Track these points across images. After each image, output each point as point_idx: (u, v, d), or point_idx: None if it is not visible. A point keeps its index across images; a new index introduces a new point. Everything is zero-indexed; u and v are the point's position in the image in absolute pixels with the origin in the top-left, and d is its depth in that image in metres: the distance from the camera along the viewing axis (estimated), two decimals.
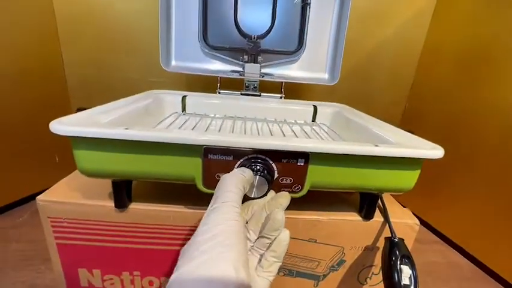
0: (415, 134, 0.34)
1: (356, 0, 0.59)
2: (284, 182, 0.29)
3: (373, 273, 0.37)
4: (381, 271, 0.31)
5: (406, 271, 0.28)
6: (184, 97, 0.51)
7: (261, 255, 0.24)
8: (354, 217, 0.34)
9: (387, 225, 0.34)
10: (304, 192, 0.30)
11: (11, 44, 0.65)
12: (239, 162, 0.27)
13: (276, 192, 0.29)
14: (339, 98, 0.65)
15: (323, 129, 0.48)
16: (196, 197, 0.31)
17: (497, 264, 0.62)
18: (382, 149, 0.27)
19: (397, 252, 0.29)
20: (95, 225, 0.32)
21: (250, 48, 0.58)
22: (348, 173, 0.29)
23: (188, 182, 0.29)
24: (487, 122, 0.65)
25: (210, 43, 0.57)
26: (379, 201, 0.35)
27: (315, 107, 0.53)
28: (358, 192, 0.35)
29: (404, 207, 0.38)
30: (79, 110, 0.32)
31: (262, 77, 0.58)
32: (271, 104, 0.54)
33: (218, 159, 0.27)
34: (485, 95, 0.65)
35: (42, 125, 0.29)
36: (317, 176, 0.29)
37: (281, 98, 0.58)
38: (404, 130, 0.36)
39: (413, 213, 0.37)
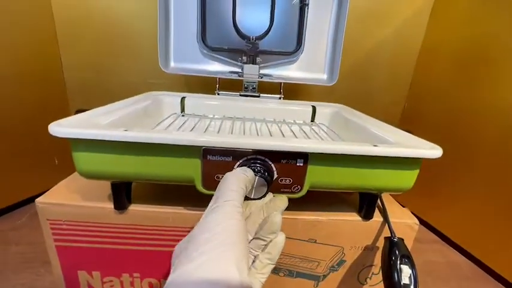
0: (414, 134, 0.34)
1: (354, 0, 0.60)
2: (283, 182, 0.29)
3: (373, 273, 0.37)
4: (380, 271, 0.31)
5: (405, 271, 0.28)
6: (183, 98, 0.51)
7: (255, 257, 0.23)
8: (354, 217, 0.34)
9: (387, 225, 0.34)
10: (303, 192, 0.30)
11: (9, 46, 0.65)
12: (238, 163, 0.28)
13: (276, 193, 0.29)
14: (338, 98, 0.65)
15: (322, 129, 0.48)
16: (196, 198, 0.31)
17: (497, 263, 0.62)
18: (381, 149, 0.27)
19: (397, 252, 0.30)
20: (95, 227, 0.32)
21: (248, 49, 0.58)
22: (347, 173, 0.29)
23: (187, 183, 0.29)
24: (485, 121, 0.65)
25: (209, 44, 0.58)
26: (379, 201, 0.35)
27: (314, 108, 0.53)
28: (358, 192, 0.35)
29: (403, 207, 0.38)
30: (78, 112, 0.32)
31: (261, 77, 0.59)
32: (270, 104, 0.54)
33: (217, 160, 0.27)
34: (484, 94, 0.65)
35: (41, 127, 0.29)
36: (316, 176, 0.29)
37: (280, 98, 0.58)
38: (403, 130, 0.36)
39: (412, 213, 0.37)
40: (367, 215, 0.34)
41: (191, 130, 0.43)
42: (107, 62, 0.75)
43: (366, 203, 0.34)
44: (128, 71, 0.77)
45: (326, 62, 0.60)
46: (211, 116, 0.50)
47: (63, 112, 0.76)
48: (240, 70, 0.59)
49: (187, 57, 0.58)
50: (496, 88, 0.63)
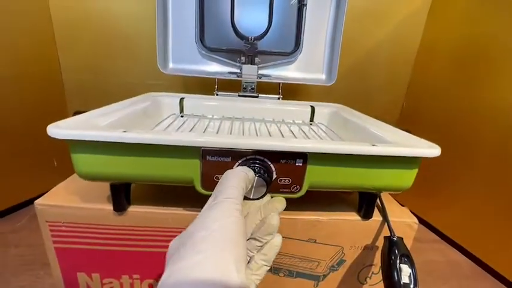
0: (413, 133, 0.34)
1: None
2: (282, 182, 0.29)
3: (373, 273, 0.37)
4: (380, 270, 0.31)
5: (405, 270, 0.28)
6: (182, 99, 0.51)
7: (250, 258, 0.23)
8: (353, 217, 0.34)
9: (386, 224, 0.34)
10: (302, 192, 0.30)
11: (6, 48, 0.65)
12: (237, 163, 0.28)
13: (275, 193, 0.29)
14: (337, 97, 0.65)
15: (321, 129, 0.48)
16: (195, 199, 0.31)
17: (497, 262, 0.62)
18: (379, 149, 0.28)
19: (397, 251, 0.30)
20: (94, 229, 0.32)
21: (247, 49, 0.58)
22: (346, 172, 0.29)
23: (187, 184, 0.29)
24: (484, 120, 0.65)
25: (207, 45, 0.58)
26: (378, 200, 0.35)
27: (313, 108, 0.53)
28: (357, 191, 0.35)
29: (402, 206, 0.38)
30: (76, 113, 0.32)
31: (260, 78, 0.59)
32: (269, 105, 0.54)
33: (216, 161, 0.27)
34: (483, 93, 0.65)
35: (39, 129, 0.29)
36: (315, 176, 0.29)
37: (279, 99, 0.58)
38: (402, 129, 0.36)
39: (411, 212, 0.37)
40: (366, 215, 0.34)
41: (190, 131, 0.43)
42: (105, 64, 0.75)
43: (365, 202, 0.34)
44: (126, 72, 0.76)
45: (324, 62, 0.61)
46: (210, 117, 0.50)
47: (62, 114, 0.76)
48: (238, 71, 0.59)
49: (186, 58, 0.58)
50: (495, 87, 0.63)
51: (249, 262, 0.23)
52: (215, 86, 0.58)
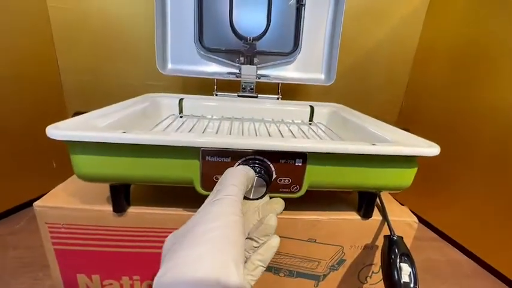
0: (412, 132, 0.34)
1: None
2: (282, 182, 0.29)
3: (373, 272, 0.37)
4: (380, 269, 0.31)
5: (405, 269, 0.28)
6: (181, 100, 0.51)
7: (246, 258, 0.23)
8: (353, 216, 0.35)
9: (386, 223, 0.34)
10: (302, 192, 0.30)
11: (4, 49, 0.64)
12: (237, 163, 0.28)
13: (275, 193, 0.29)
14: (336, 97, 0.65)
15: (320, 129, 0.48)
16: (195, 199, 0.31)
17: (497, 261, 0.62)
18: (379, 148, 0.28)
19: (397, 250, 0.30)
20: (93, 230, 0.32)
21: (246, 50, 0.58)
22: (345, 172, 0.29)
23: (186, 184, 0.29)
24: (483, 119, 0.65)
25: (206, 45, 0.58)
26: (378, 199, 0.35)
27: (312, 108, 0.53)
28: (357, 191, 0.35)
29: (402, 205, 0.38)
30: (76, 114, 0.32)
31: (259, 78, 0.59)
32: (268, 105, 0.54)
33: (216, 161, 0.27)
34: (482, 92, 0.65)
35: (38, 130, 0.28)
36: (315, 176, 0.29)
37: (278, 99, 0.58)
38: (401, 129, 0.36)
39: (411, 211, 0.37)
40: (366, 214, 0.34)
41: (189, 131, 0.42)
42: (104, 65, 0.75)
43: (365, 201, 0.34)
44: (125, 74, 0.76)
45: (323, 61, 0.61)
46: (210, 117, 0.50)
47: (61, 115, 0.76)
48: (237, 71, 0.59)
49: (185, 58, 0.58)
50: (495, 86, 0.63)
51: (245, 262, 0.23)
52: (214, 87, 0.58)
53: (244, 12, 0.57)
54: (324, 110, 0.53)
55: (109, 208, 0.31)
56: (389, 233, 0.32)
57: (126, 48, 0.74)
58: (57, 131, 0.25)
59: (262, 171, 0.27)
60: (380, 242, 0.35)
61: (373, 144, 0.28)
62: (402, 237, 0.31)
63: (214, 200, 0.21)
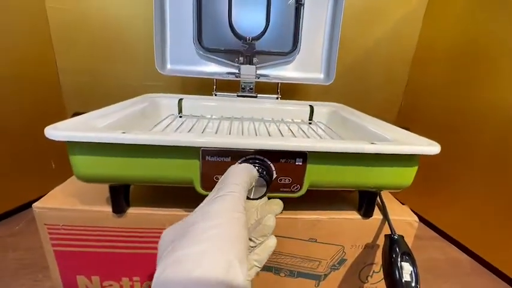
0: (412, 131, 0.34)
1: None
2: (283, 182, 0.29)
3: (374, 271, 0.37)
4: (382, 269, 0.31)
5: (406, 268, 0.28)
6: (180, 100, 0.51)
7: None
8: (354, 215, 0.34)
9: (387, 222, 0.34)
10: (303, 191, 0.30)
11: (2, 50, 0.64)
12: (237, 163, 0.27)
13: (275, 193, 0.29)
14: (335, 97, 0.65)
15: (320, 128, 0.48)
16: (195, 199, 0.30)
17: (498, 259, 0.62)
18: (379, 147, 0.28)
19: (398, 250, 0.30)
20: (93, 231, 0.32)
21: (245, 49, 0.58)
22: (346, 171, 0.29)
23: (186, 184, 0.29)
24: (483, 119, 0.65)
25: (205, 45, 0.57)
26: (378, 199, 0.35)
27: (311, 107, 0.53)
28: (357, 190, 0.35)
29: (403, 204, 0.38)
30: (75, 114, 0.32)
31: (258, 78, 0.59)
32: (268, 105, 0.54)
33: (216, 161, 0.27)
34: (481, 92, 0.65)
35: (37, 131, 0.28)
36: (315, 175, 0.29)
37: (277, 98, 0.58)
38: (401, 127, 0.36)
39: (412, 210, 0.37)
40: (367, 213, 0.34)
41: (189, 131, 0.42)
42: (102, 65, 0.75)
43: (366, 201, 0.34)
44: (124, 74, 0.76)
45: (322, 61, 0.61)
46: (209, 117, 0.50)
47: (60, 116, 0.75)
48: (236, 71, 0.59)
49: (184, 59, 0.58)
50: (494, 85, 0.63)
51: None
52: (213, 87, 0.58)
53: (243, 12, 0.57)
54: (323, 109, 0.53)
55: (108, 209, 0.31)
56: (390, 232, 0.32)
57: (125, 48, 0.74)
58: (56, 131, 0.25)
59: (263, 171, 0.27)
60: (381, 241, 0.35)
61: (373, 143, 0.28)
62: (403, 236, 0.31)
63: (216, 196, 0.20)
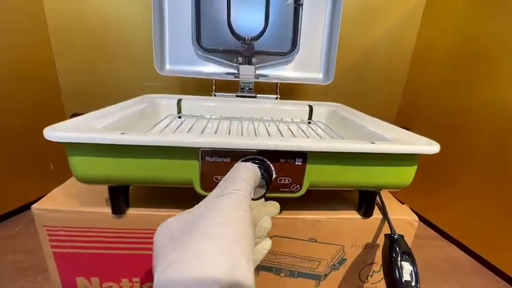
0: (412, 131, 0.34)
1: None
2: (282, 182, 0.29)
3: (374, 271, 0.37)
4: (382, 268, 0.31)
5: (406, 267, 0.28)
6: (179, 100, 0.51)
7: None
8: (353, 215, 0.34)
9: (386, 222, 0.34)
10: (303, 191, 0.30)
11: (1, 51, 0.64)
12: (237, 163, 0.27)
13: (275, 193, 0.29)
14: (334, 96, 0.65)
15: (320, 128, 0.48)
16: (194, 200, 0.30)
17: (497, 258, 0.62)
18: (378, 146, 0.28)
19: (397, 249, 0.29)
20: (92, 233, 0.32)
21: (244, 50, 0.58)
22: (346, 171, 0.29)
23: (186, 185, 0.29)
24: (483, 118, 0.65)
25: (204, 46, 0.57)
26: (378, 198, 0.35)
27: (311, 107, 0.53)
28: (357, 190, 0.35)
29: (402, 203, 0.38)
30: (73, 115, 0.31)
31: (257, 78, 0.59)
32: (267, 105, 0.54)
33: (216, 162, 0.27)
34: (481, 91, 0.65)
35: (36, 132, 0.28)
36: (315, 175, 0.29)
37: (277, 98, 0.58)
38: (401, 127, 0.36)
39: (412, 209, 0.37)
40: (366, 213, 0.34)
41: (188, 131, 0.42)
42: (101, 66, 0.75)
43: (365, 200, 0.34)
44: (123, 75, 0.76)
45: (321, 61, 0.61)
46: (209, 117, 0.50)
47: (59, 116, 0.75)
48: (236, 71, 0.59)
49: (183, 59, 0.58)
50: (494, 85, 0.63)
51: None
52: (213, 87, 0.58)
53: (242, 12, 0.57)
54: (322, 109, 0.53)
55: (108, 210, 0.31)
56: (390, 232, 0.32)
57: (124, 49, 0.74)
58: (55, 132, 0.25)
59: (262, 171, 0.27)
60: (381, 240, 0.35)
61: (373, 143, 0.28)
62: (403, 236, 0.31)
63: (223, 193, 0.20)
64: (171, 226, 0.19)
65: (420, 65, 0.81)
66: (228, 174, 0.23)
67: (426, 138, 0.31)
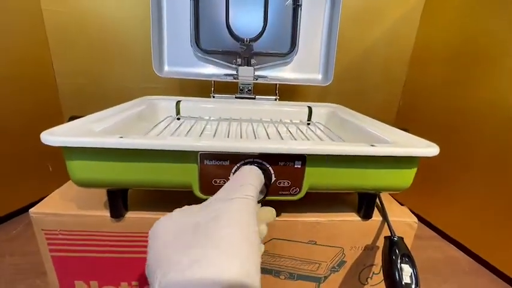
0: (410, 132, 0.34)
1: None
2: (282, 185, 0.29)
3: (373, 273, 0.37)
4: (381, 270, 0.31)
5: (406, 270, 0.28)
6: (178, 102, 0.51)
7: None
8: (353, 217, 0.34)
9: (386, 224, 0.34)
10: (302, 194, 0.30)
11: None
12: (236, 166, 0.27)
13: (274, 196, 0.29)
14: (333, 97, 0.65)
15: (319, 129, 0.48)
16: (194, 203, 0.30)
17: (496, 258, 0.62)
18: (378, 149, 0.27)
19: (397, 251, 0.29)
20: (91, 236, 0.31)
21: (243, 51, 0.58)
22: (345, 173, 0.29)
23: (185, 188, 0.29)
24: (482, 118, 0.65)
25: (203, 47, 0.57)
26: (377, 200, 0.35)
27: (310, 108, 0.53)
28: (356, 192, 0.35)
29: (402, 205, 0.38)
30: (72, 118, 0.31)
31: (256, 79, 0.58)
32: (266, 106, 0.54)
33: (215, 165, 0.27)
34: (481, 91, 0.65)
35: (34, 134, 0.28)
36: (314, 178, 0.29)
37: (276, 100, 0.58)
38: (400, 129, 0.36)
39: (411, 210, 0.37)
40: (366, 215, 0.34)
41: (187, 133, 0.42)
42: (100, 68, 0.75)
43: (365, 202, 0.34)
44: (121, 76, 0.76)
45: (320, 62, 0.61)
46: (207, 118, 0.50)
47: (57, 118, 0.75)
48: (234, 72, 0.59)
49: (182, 60, 0.58)
50: (493, 85, 0.63)
51: None
52: (211, 89, 0.58)
53: (240, 14, 0.57)
54: (321, 110, 0.53)
55: (106, 213, 0.31)
56: (389, 234, 0.32)
57: (122, 51, 0.74)
58: (52, 137, 0.24)
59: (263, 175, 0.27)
60: (380, 242, 0.35)
61: (373, 145, 0.28)
62: (403, 238, 0.31)
63: (233, 197, 0.20)
64: (168, 227, 0.19)
65: (419, 65, 0.81)
66: (234, 176, 0.23)
67: (425, 140, 0.31)
